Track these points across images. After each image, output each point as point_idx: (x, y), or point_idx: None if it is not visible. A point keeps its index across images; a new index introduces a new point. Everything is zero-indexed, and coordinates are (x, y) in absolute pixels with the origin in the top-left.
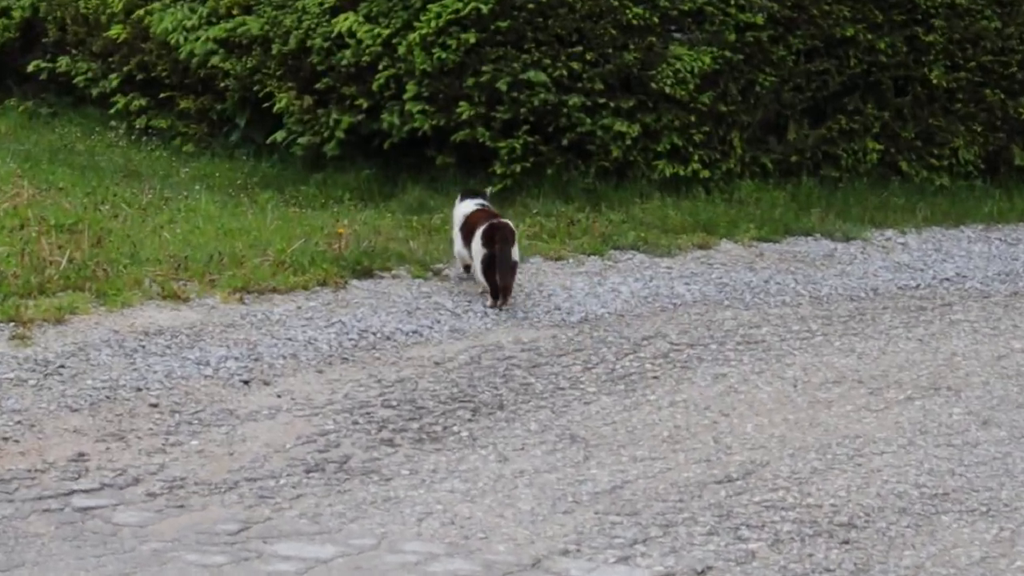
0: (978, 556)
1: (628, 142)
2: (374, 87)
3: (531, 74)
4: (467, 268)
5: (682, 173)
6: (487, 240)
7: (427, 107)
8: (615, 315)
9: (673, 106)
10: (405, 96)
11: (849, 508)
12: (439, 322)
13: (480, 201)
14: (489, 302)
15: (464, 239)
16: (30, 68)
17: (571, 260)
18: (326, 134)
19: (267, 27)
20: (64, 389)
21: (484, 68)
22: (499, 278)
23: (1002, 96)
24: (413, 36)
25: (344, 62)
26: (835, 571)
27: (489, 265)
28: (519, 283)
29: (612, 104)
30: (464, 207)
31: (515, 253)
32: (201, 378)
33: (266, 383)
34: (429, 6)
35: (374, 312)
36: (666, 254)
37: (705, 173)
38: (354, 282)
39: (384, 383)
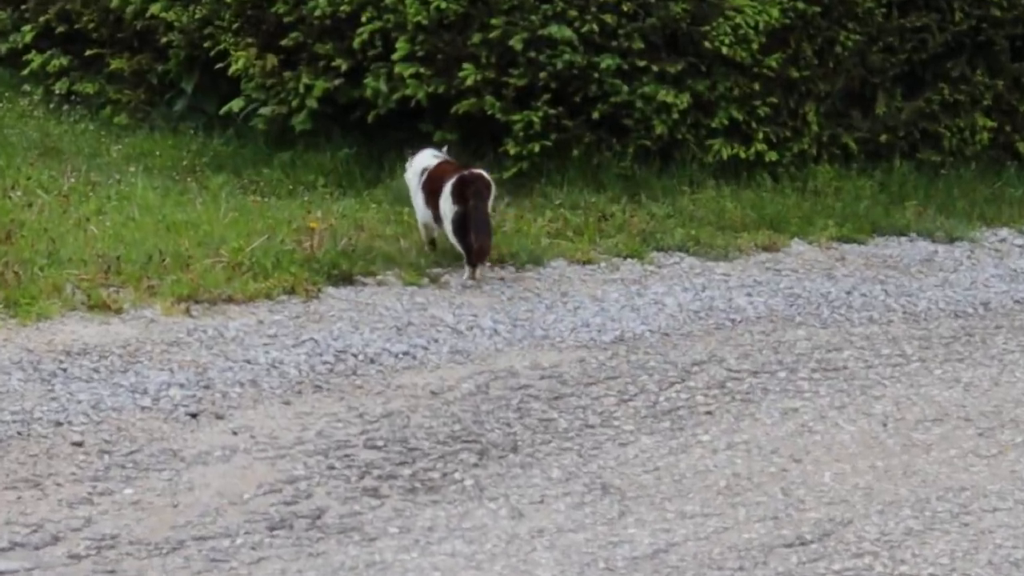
0: None
1: (675, 116)
2: (355, 44)
3: (553, 29)
4: (433, 243)
5: (743, 155)
6: (458, 195)
7: (422, 70)
8: (658, 334)
9: (732, 70)
10: (394, 56)
11: None
12: (437, 341)
13: (439, 154)
14: (467, 273)
15: (428, 199)
16: None
17: (603, 264)
18: (294, 103)
19: None
20: None
21: (494, 21)
22: (474, 239)
23: None
24: None
25: (317, 12)
26: None
27: (462, 224)
28: (534, 287)
29: (655, 68)
30: (422, 159)
31: (490, 211)
32: (137, 410)
33: (219, 417)
34: None
35: (355, 328)
36: (722, 257)
37: (772, 155)
38: (330, 290)
39: (367, 418)
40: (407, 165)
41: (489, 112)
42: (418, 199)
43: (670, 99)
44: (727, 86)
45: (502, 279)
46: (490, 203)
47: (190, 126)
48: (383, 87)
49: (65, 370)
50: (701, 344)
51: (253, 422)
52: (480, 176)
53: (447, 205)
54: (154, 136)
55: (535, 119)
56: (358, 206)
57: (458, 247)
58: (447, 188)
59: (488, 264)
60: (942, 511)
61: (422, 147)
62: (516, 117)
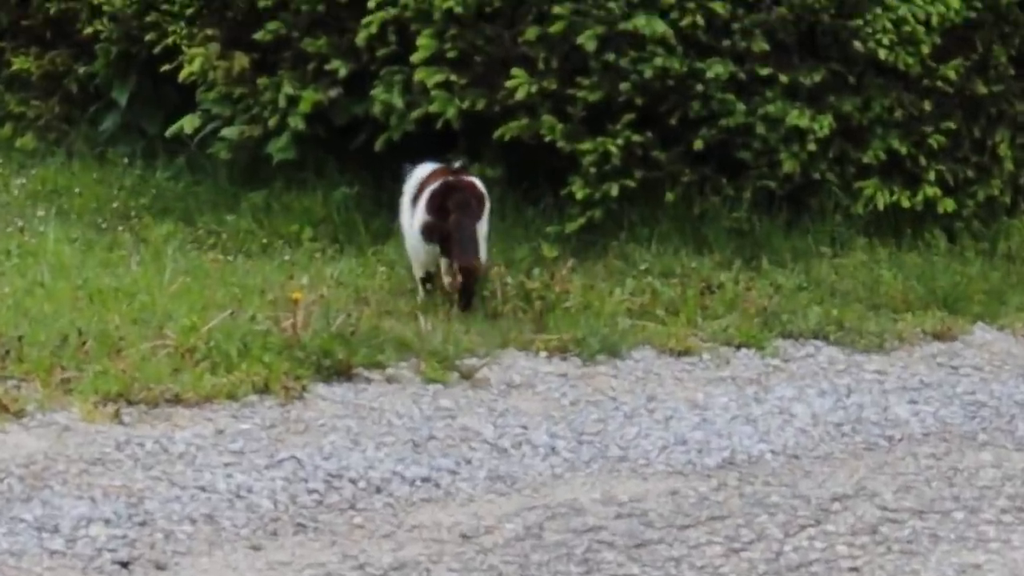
0: None
1: (811, 146)
2: (359, 40)
3: (640, 22)
4: (427, 279)
5: (906, 204)
6: (435, 206)
7: (453, 77)
8: (784, 456)
9: (893, 83)
10: (414, 57)
11: None
12: (470, 462)
13: (443, 166)
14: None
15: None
16: None
17: (706, 356)
18: (272, 122)
19: None
20: None
21: (556, 10)
22: (457, 254)
23: None
24: None
25: None
26: None
27: (429, 234)
28: (608, 388)
29: (783, 78)
30: (420, 172)
31: (482, 231)
32: (44, 555)
33: (160, 567)
34: None
35: (354, 443)
36: (876, 348)
37: (948, 204)
38: (319, 388)
39: (371, 571)
40: (405, 185)
41: (548, 138)
42: (406, 218)
43: (804, 123)
44: (885, 105)
45: (563, 375)
46: (483, 223)
47: (123, 153)
48: (398, 101)
49: None
50: (844, 471)
51: (209, 574)
52: (470, 185)
53: (420, 216)
54: (72, 166)
55: (613, 149)
56: (360, 269)
57: (419, 259)
58: (424, 196)
59: (543, 352)
60: None
61: (423, 161)
62: (586, 146)
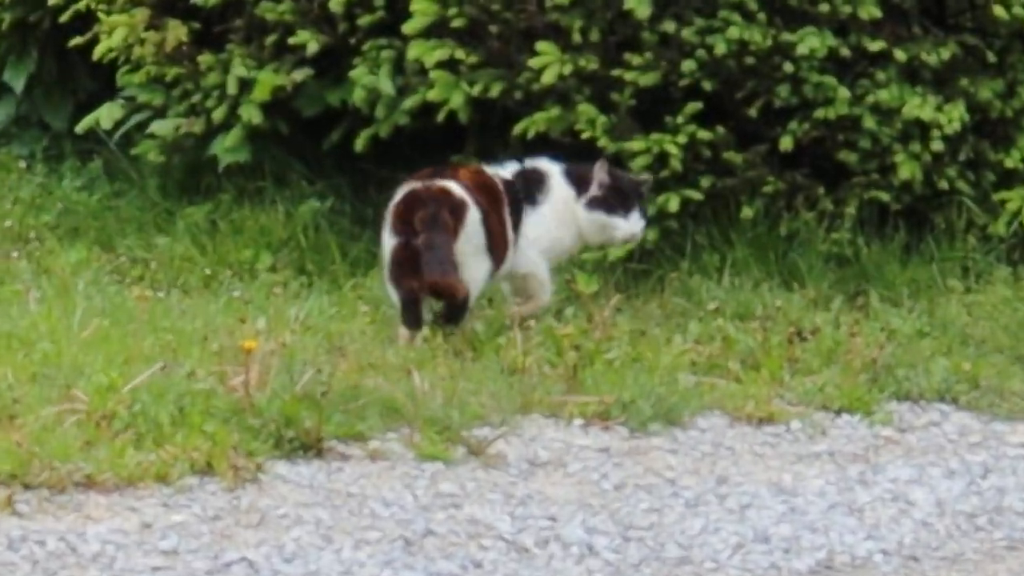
0: None
1: (936, 145)
2: (333, 5)
3: None
4: (412, 318)
5: None
6: (399, 220)
7: (459, 53)
8: (900, 558)
9: None
10: (406, 27)
11: None
12: (480, 566)
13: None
14: (402, 338)
15: None
16: None
17: (796, 425)
18: (219, 113)
19: None
20: None
21: None
22: (426, 271)
23: None
24: None
25: None
26: None
27: (399, 264)
28: (664, 467)
29: (899, 54)
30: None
31: (472, 244)
32: None
33: None
34: None
35: (326, 539)
36: (1023, 414)
37: None
38: (280, 467)
39: None
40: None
41: (585, 135)
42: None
43: (928, 114)
44: None
45: (604, 450)
46: (462, 238)
47: (19, 154)
48: (386, 86)
49: None
50: None
51: None
52: (444, 193)
53: (384, 236)
54: None
55: (672, 149)
56: (335, 309)
57: (393, 299)
58: (389, 209)
59: (578, 420)
60: None
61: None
62: (636, 145)
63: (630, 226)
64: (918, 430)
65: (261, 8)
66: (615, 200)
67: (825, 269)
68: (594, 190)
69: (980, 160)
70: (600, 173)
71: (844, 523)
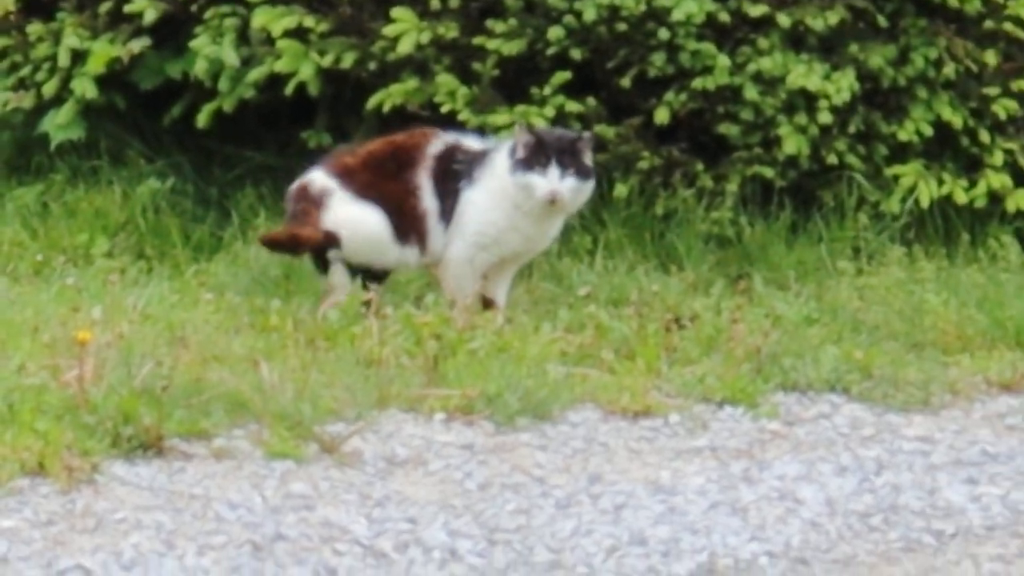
0: None
1: (824, 117)
2: None
3: None
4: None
5: (962, 199)
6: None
7: (308, 20)
8: (787, 560)
9: (942, 24)
10: None
11: None
12: (334, 572)
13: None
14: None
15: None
16: None
17: (674, 419)
18: (49, 87)
19: None
20: None
21: None
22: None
23: None
24: None
25: None
26: None
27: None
28: (533, 465)
29: (783, 19)
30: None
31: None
32: None
33: None
34: None
35: (168, 546)
36: (918, 405)
37: (1021, 199)
38: (118, 467)
39: None
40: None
41: (445, 108)
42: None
43: (814, 84)
44: (931, 58)
45: (468, 447)
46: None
47: None
48: (230, 56)
49: None
50: None
51: None
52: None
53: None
54: None
55: (538, 122)
56: (176, 297)
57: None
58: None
59: (439, 414)
60: None
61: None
62: (500, 118)
63: (547, 182)
64: (806, 423)
65: None
66: (534, 158)
67: (705, 251)
68: (519, 153)
69: (871, 133)
70: (521, 135)
71: (727, 524)
